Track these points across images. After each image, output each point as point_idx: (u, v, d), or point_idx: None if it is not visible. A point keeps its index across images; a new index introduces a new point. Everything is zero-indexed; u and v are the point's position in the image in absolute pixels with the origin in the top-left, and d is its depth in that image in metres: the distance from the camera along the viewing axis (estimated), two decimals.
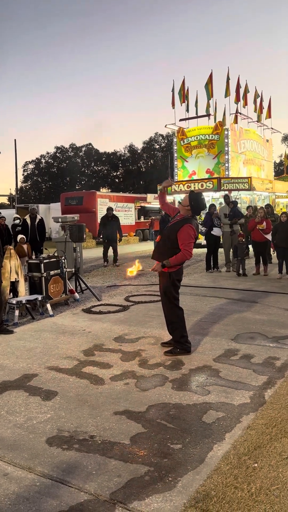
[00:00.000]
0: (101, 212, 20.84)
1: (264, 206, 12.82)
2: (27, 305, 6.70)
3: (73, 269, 8.38)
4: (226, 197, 12.02)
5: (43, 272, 7.00)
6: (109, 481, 2.53)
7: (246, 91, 22.04)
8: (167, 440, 2.98)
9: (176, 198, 19.54)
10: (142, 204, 26.91)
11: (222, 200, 15.11)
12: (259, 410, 3.38)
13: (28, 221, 11.41)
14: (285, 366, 4.34)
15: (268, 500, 2.32)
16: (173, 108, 21.96)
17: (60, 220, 9.42)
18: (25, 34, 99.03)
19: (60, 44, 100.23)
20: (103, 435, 3.06)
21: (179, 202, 5.07)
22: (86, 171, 64.43)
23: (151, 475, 2.58)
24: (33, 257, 10.28)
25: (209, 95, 20.74)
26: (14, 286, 6.93)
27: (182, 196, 19.31)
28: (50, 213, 26.66)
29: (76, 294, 7.84)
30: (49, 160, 64.27)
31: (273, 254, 11.35)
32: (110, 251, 12.94)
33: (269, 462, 2.68)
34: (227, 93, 20.75)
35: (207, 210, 11.43)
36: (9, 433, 3.13)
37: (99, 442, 2.98)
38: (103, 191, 50.51)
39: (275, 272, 10.22)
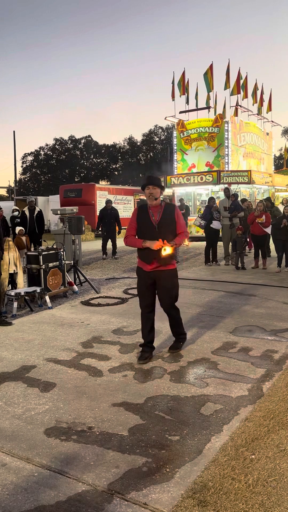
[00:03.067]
0: (100, 204, 20.77)
1: (263, 200, 12.79)
2: (26, 297, 6.70)
3: (72, 262, 8.38)
4: (226, 190, 11.97)
5: (41, 264, 6.99)
6: (107, 472, 2.54)
7: (246, 83, 21.89)
8: (165, 431, 2.99)
9: (176, 190, 19.48)
10: (141, 197, 26.80)
11: (221, 193, 15.06)
12: (257, 403, 3.39)
13: (27, 213, 11.38)
14: (283, 359, 4.35)
15: (265, 491, 2.34)
16: (173, 100, 21.84)
17: (59, 212, 9.39)
18: (24, 26, 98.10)
19: (60, 35, 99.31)
20: (101, 427, 3.07)
21: (163, 200, 4.40)
22: (85, 163, 64.15)
23: (149, 466, 2.59)
24: (32, 249, 10.26)
25: (209, 86, 20.61)
26: (12, 278, 6.92)
27: (179, 189, 19.22)
28: (49, 205, 26.57)
29: (74, 286, 7.83)
30: (48, 152, 63.92)
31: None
32: (109, 244, 12.92)
33: (267, 454, 2.69)
34: (226, 85, 20.61)
35: (207, 203, 11.40)
36: (8, 424, 3.14)
37: (97, 433, 2.99)
38: (102, 183, 50.35)
39: (274, 265, 10.22)
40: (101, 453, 2.74)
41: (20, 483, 2.46)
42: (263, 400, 3.43)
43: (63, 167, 61.88)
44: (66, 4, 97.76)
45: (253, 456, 2.67)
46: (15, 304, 6.34)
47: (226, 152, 19.50)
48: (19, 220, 11.64)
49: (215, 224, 10.89)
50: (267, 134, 24.24)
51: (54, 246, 7.85)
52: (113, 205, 13.54)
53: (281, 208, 12.44)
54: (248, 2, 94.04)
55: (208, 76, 20.47)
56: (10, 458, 2.71)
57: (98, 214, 13.65)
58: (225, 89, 20.72)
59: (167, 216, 4.28)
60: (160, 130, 60.86)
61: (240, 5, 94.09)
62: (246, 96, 21.94)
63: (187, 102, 21.63)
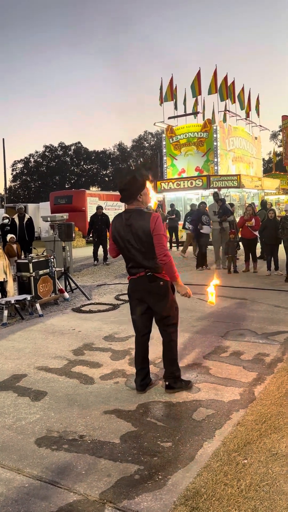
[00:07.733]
0: (90, 211, 20.71)
1: (251, 204, 12.88)
2: (16, 305, 6.64)
3: (63, 269, 8.34)
4: (215, 195, 12.04)
5: (32, 271, 6.95)
6: (98, 481, 2.51)
7: (233, 88, 22.06)
8: (157, 438, 2.97)
9: (167, 195, 19.53)
10: None
11: (211, 197, 15.12)
12: (248, 407, 3.39)
13: (17, 220, 11.34)
14: (274, 362, 4.36)
15: (258, 496, 2.33)
16: (161, 105, 21.88)
17: (49, 219, 9.36)
18: (11, 34, 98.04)
19: (48, 41, 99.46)
20: (93, 435, 3.04)
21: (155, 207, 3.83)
22: (76, 169, 64.18)
23: (141, 474, 2.57)
24: (22, 256, 10.20)
25: (196, 93, 20.75)
26: (2, 286, 6.87)
27: (169, 194, 19.29)
28: (40, 212, 26.48)
29: (65, 293, 7.79)
30: (38, 159, 63.84)
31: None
32: (100, 250, 12.90)
33: (259, 458, 2.68)
34: (212, 91, 20.72)
35: (197, 208, 11.44)
36: None
37: (89, 441, 2.96)
38: (93, 189, 50.30)
39: (264, 269, 10.27)
40: (92, 461, 2.72)
41: (10, 494, 2.42)
42: (255, 404, 3.43)
43: (53, 174, 61.85)
44: (53, 7, 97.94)
45: (246, 461, 2.66)
46: (5, 313, 6.29)
47: (215, 157, 19.61)
48: (9, 227, 11.59)
49: (205, 229, 10.93)
50: (256, 138, 24.44)
51: (45, 253, 7.81)
52: (104, 211, 13.55)
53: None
54: (237, 8, 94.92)
55: (195, 83, 20.61)
56: (0, 470, 2.67)
57: (88, 220, 13.64)
58: (208, 94, 20.83)
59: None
60: (150, 136, 61.16)
61: (228, 11, 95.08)
62: (234, 101, 22.11)
63: (176, 107, 21.73)
